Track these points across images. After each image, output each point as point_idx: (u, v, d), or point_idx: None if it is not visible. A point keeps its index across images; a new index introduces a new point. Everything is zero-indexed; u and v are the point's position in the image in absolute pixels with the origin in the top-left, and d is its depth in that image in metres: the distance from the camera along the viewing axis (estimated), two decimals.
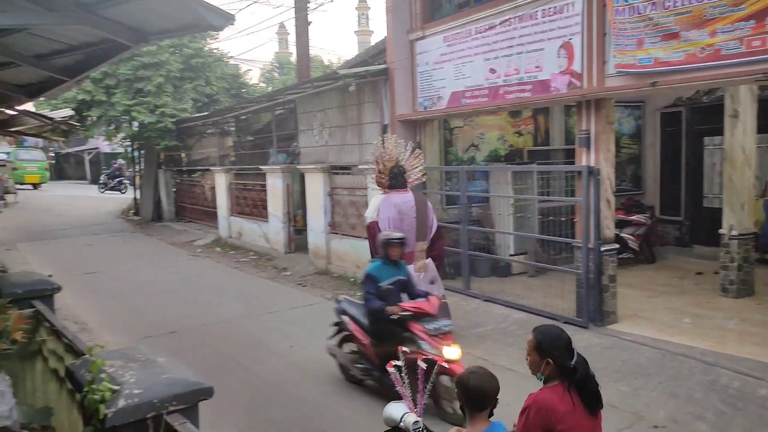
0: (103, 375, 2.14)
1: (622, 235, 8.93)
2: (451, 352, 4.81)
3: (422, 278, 6.33)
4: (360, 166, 9.51)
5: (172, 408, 2.06)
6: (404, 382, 2.93)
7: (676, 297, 7.65)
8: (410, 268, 6.06)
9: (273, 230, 12.30)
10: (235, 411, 5.12)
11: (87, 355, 2.46)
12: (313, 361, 6.08)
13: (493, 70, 7.75)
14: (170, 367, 2.28)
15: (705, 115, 9.50)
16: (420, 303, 5.10)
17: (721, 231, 7.48)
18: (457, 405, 3.18)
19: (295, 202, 12.21)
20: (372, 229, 6.50)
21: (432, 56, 8.74)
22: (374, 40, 21.30)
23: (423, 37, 8.87)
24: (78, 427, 2.24)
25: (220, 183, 14.48)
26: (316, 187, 10.79)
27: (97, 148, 36.15)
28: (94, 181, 32.28)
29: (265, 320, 7.80)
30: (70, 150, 40.66)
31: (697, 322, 6.68)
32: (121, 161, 29.45)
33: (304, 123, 11.53)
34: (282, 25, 44.80)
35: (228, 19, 4.59)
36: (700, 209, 9.73)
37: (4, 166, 27.91)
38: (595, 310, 6.73)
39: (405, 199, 6.48)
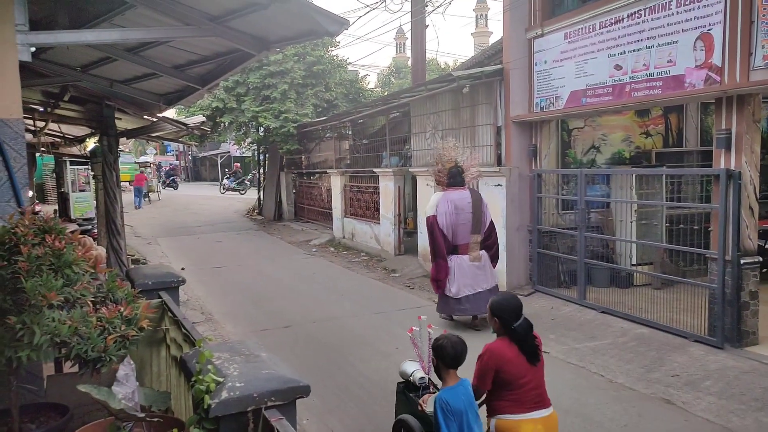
0: (210, 366, 2.24)
1: None
2: None
3: (477, 267, 7.18)
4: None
5: (270, 403, 2.11)
6: (419, 345, 3.65)
7: None
8: (465, 258, 7.13)
9: (384, 232, 12.48)
10: (342, 405, 5.22)
11: (198, 347, 2.60)
12: None
13: (618, 67, 7.25)
14: (270, 363, 2.34)
15: None
16: None
17: None
18: None
19: (406, 204, 12.29)
20: (430, 223, 7.15)
21: (551, 54, 8.36)
22: (493, 41, 20.92)
23: (542, 35, 8.51)
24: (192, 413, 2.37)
25: (336, 185, 14.96)
26: (427, 189, 10.76)
27: (228, 152, 39.12)
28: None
29: (373, 320, 7.90)
30: (205, 154, 44.41)
31: None
32: (236, 165, 33.30)
33: (417, 126, 11.56)
34: (400, 30, 45.44)
35: (342, 24, 4.70)
36: None
37: (148, 167, 30.99)
38: (732, 329, 6.04)
39: (462, 195, 7.12)
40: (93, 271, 3.05)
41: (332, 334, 7.29)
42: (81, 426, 2.94)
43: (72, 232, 3.12)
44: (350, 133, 16.40)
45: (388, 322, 7.75)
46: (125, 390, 2.50)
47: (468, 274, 7.13)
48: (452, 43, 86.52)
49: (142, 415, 2.59)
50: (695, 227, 7.23)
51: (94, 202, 12.25)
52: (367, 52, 79.54)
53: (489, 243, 7.34)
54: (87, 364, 2.77)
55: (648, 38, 6.84)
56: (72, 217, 15.95)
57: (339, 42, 20.05)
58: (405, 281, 10.22)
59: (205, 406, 2.07)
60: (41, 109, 8.57)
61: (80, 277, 2.87)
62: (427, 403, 3.42)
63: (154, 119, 8.92)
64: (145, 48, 5.80)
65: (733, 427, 4.55)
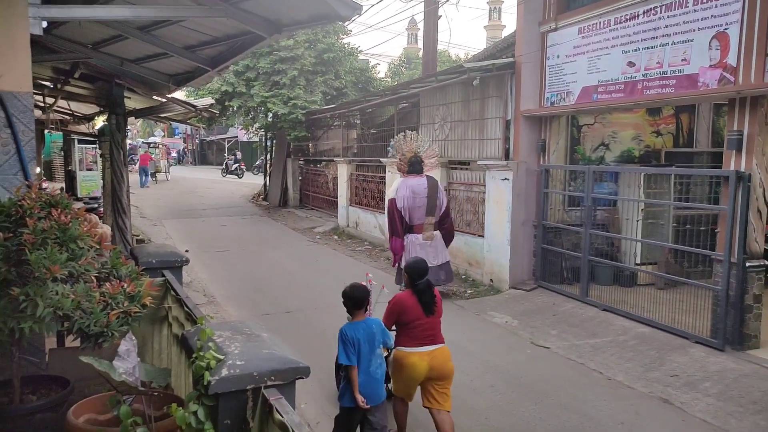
0: (210, 344, 2.25)
1: None
2: None
3: (429, 246, 7.98)
4: (479, 162, 9.31)
5: (270, 383, 2.11)
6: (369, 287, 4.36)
7: None
8: (419, 236, 7.99)
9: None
10: (334, 389, 5.23)
11: (200, 325, 2.61)
12: None
13: (631, 64, 7.18)
14: (271, 343, 2.34)
15: None
16: None
17: None
18: None
19: None
20: (390, 205, 8.15)
21: (564, 49, 8.29)
22: (505, 34, 20.73)
23: (555, 29, 8.44)
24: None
25: (342, 173, 14.94)
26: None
27: (236, 137, 39.14)
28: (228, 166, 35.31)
29: (375, 309, 7.90)
30: (213, 138, 44.42)
31: None
32: (236, 152, 36.48)
33: (426, 117, 11.52)
34: (413, 20, 45.12)
35: (355, 9, 4.67)
36: None
37: (157, 147, 31.10)
38: (734, 331, 6.02)
39: (419, 182, 8.00)
40: (98, 247, 3.06)
41: (333, 321, 7.29)
42: (81, 399, 2.96)
43: (78, 209, 3.13)
44: (358, 122, 16.34)
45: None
46: (126, 365, 2.51)
47: (420, 251, 7.84)
48: (464, 35, 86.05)
49: (143, 388, 2.60)
50: (702, 228, 7.19)
51: (101, 181, 12.30)
52: (379, 41, 79.04)
53: (445, 226, 8.20)
54: (89, 339, 2.79)
55: (663, 36, 6.77)
56: (78, 196, 16.01)
57: (351, 30, 19.94)
58: None
59: (205, 383, 2.08)
60: (51, 85, 8.58)
61: (85, 252, 2.88)
62: None
63: (164, 99, 8.91)
64: (156, 27, 5.79)
65: (731, 429, 4.54)
